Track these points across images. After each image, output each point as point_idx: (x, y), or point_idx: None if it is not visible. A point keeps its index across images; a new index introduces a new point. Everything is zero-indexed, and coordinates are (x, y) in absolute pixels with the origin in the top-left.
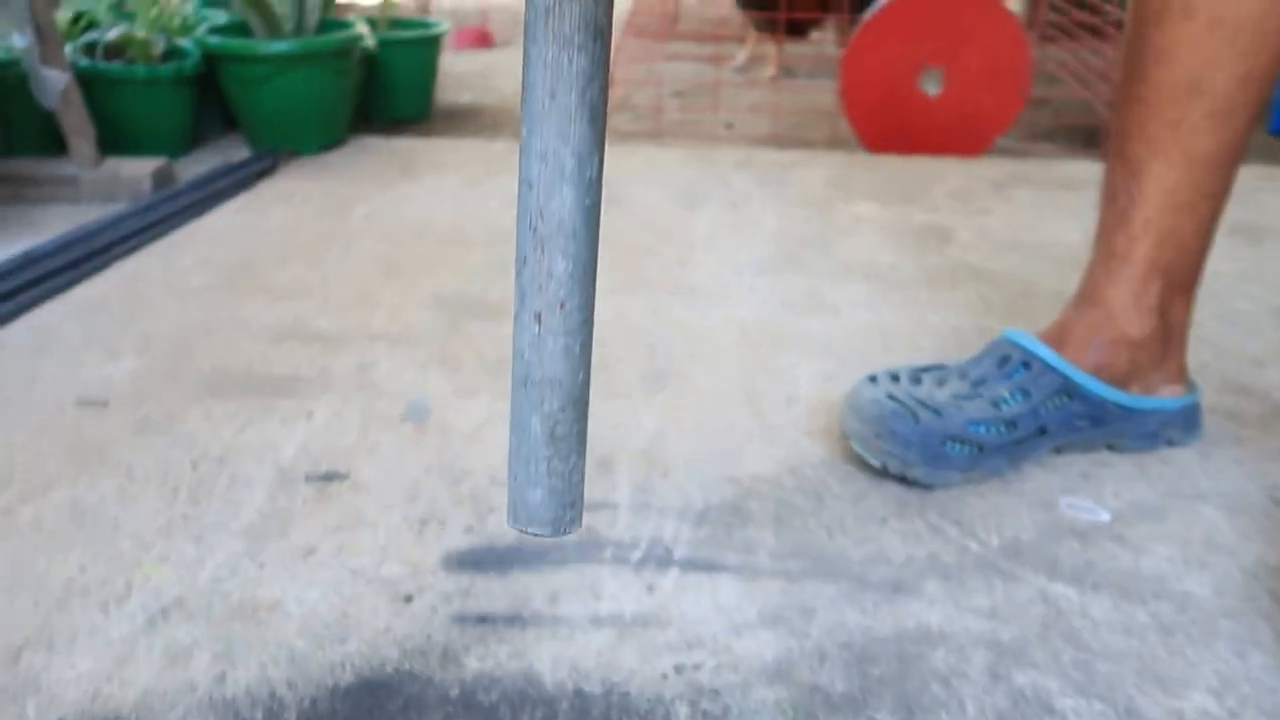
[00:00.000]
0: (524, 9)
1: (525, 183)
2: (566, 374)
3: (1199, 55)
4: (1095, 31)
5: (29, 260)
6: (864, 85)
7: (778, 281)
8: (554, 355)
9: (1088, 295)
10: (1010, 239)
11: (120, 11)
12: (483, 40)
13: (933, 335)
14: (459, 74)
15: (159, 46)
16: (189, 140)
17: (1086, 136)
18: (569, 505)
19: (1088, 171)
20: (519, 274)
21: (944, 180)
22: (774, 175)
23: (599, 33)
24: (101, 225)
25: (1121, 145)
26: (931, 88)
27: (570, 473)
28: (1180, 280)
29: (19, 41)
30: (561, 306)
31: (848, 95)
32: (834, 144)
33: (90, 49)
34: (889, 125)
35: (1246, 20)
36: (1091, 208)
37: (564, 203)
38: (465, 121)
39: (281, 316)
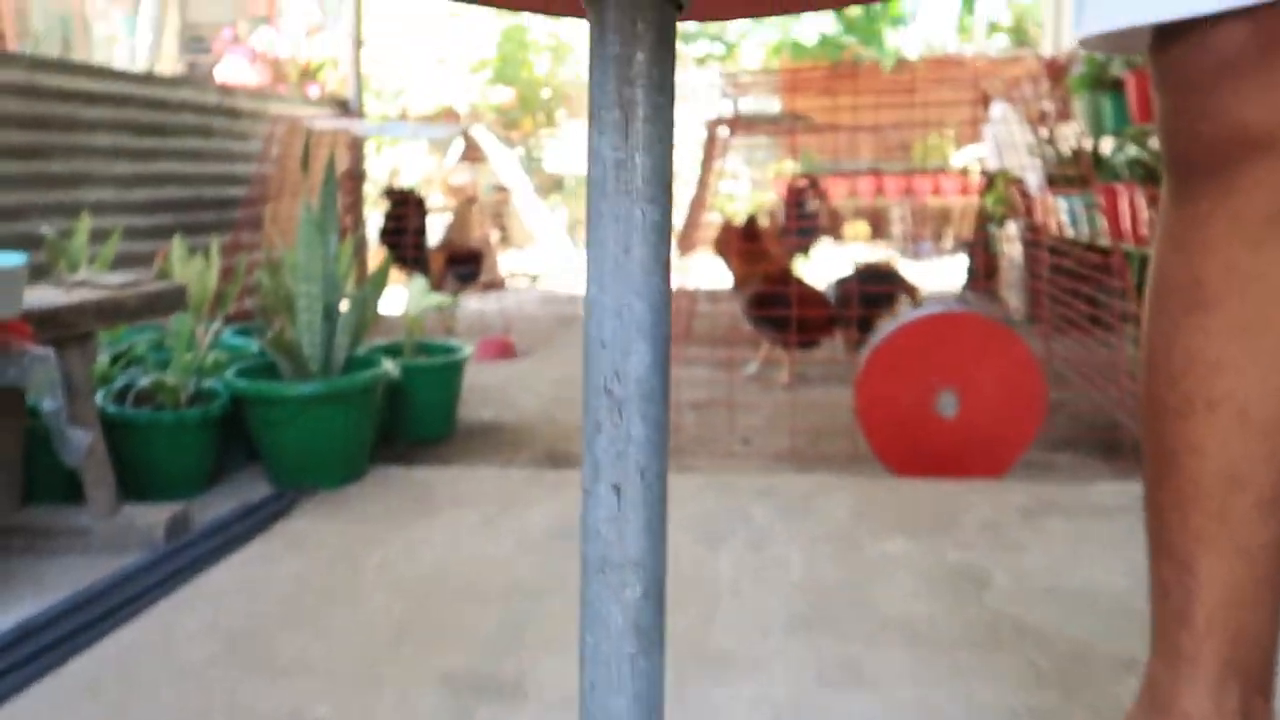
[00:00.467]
0: (587, 169)
1: (597, 343)
2: (649, 553)
3: (1233, 450)
4: (1098, 321)
5: (23, 634)
6: (879, 408)
7: (809, 645)
8: (636, 532)
9: (1160, 704)
10: (1050, 584)
11: (159, 348)
12: (505, 351)
13: (986, 718)
14: (481, 387)
15: (188, 390)
16: (210, 478)
17: (1107, 446)
18: (653, 711)
19: (1117, 496)
20: (590, 445)
21: (972, 508)
22: (797, 505)
23: (667, 186)
24: (105, 587)
25: (1165, 538)
26: (947, 409)
27: (654, 672)
28: (1258, 678)
29: (48, 405)
30: (642, 476)
31: (864, 417)
32: (855, 460)
33: (122, 395)
34: (908, 447)
35: (1275, 411)
36: (1128, 538)
37: (642, 360)
38: (486, 440)
39: (280, 703)
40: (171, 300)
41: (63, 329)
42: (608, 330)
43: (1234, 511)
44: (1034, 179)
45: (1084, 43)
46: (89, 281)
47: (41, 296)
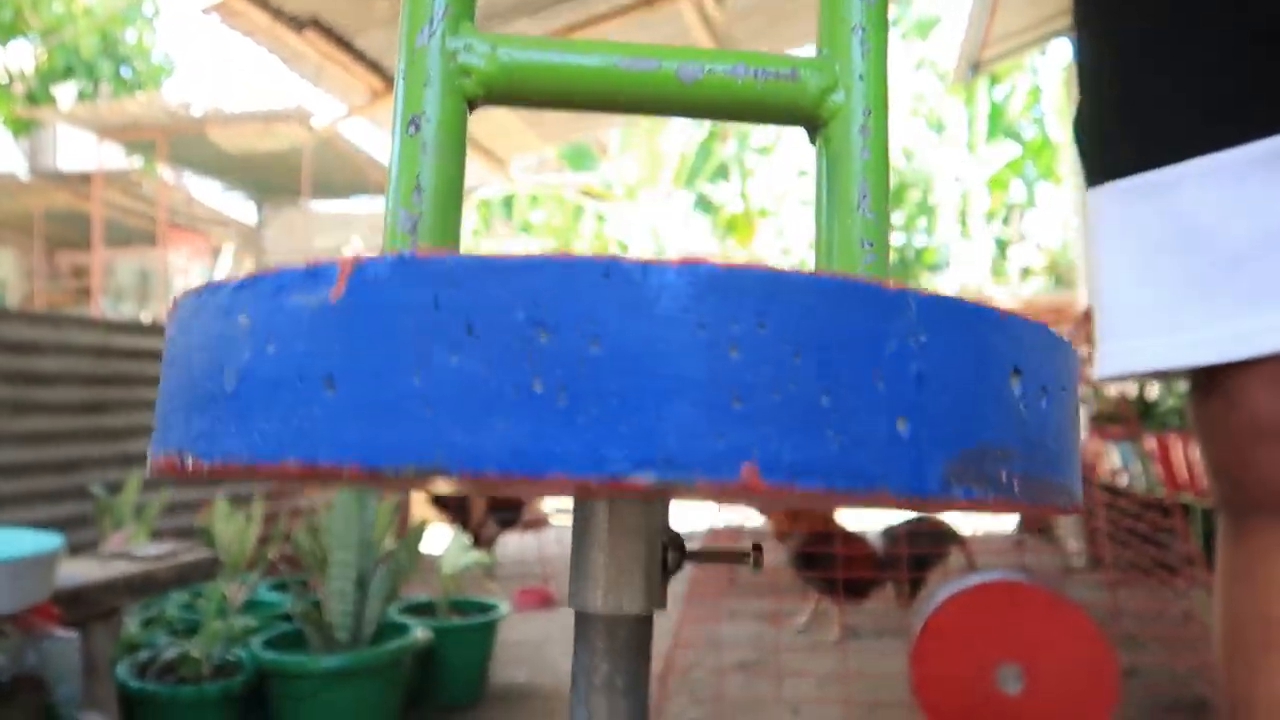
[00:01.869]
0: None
1: None
2: None
3: None
4: (1164, 565)
5: None
6: (938, 684)
7: None
8: None
9: None
10: None
11: (190, 608)
12: (544, 601)
13: None
14: (516, 643)
15: (214, 660)
16: None
17: None
18: None
19: None
20: None
21: None
22: None
23: None
24: None
25: None
26: (1011, 686)
27: None
28: None
29: (65, 693)
30: None
31: (922, 694)
32: None
33: (144, 667)
34: None
35: None
36: None
37: None
38: (519, 706)
39: None
40: (204, 570)
41: (91, 607)
42: None
43: None
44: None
45: (1102, 380)
46: (126, 553)
47: (74, 572)
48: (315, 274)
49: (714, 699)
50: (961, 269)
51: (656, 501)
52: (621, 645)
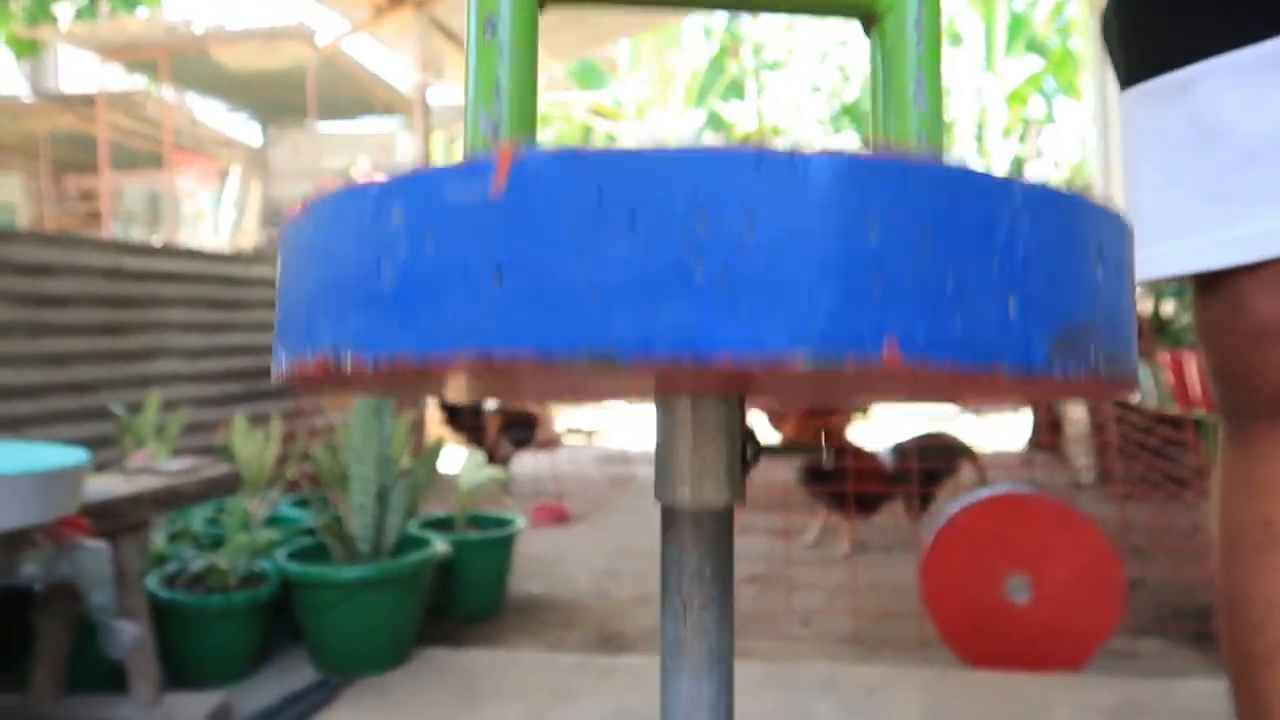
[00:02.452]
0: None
1: None
2: None
3: None
4: (1173, 478)
5: None
6: (947, 595)
7: None
8: None
9: None
10: None
11: (214, 523)
12: (559, 517)
13: None
14: (533, 557)
15: (239, 572)
16: (256, 661)
17: (1196, 635)
18: None
19: (1213, 697)
20: None
21: (1051, 709)
22: (862, 702)
23: (722, 659)
24: None
25: None
26: (1019, 596)
27: None
28: None
29: (98, 600)
30: None
31: (931, 604)
32: (922, 645)
33: (173, 578)
34: (979, 635)
35: None
36: None
37: None
38: (537, 617)
39: None
40: (228, 485)
41: (119, 519)
42: None
43: None
44: None
45: None
46: (150, 468)
47: (101, 486)
48: (472, 170)
49: None
50: None
51: (734, 399)
52: (707, 535)
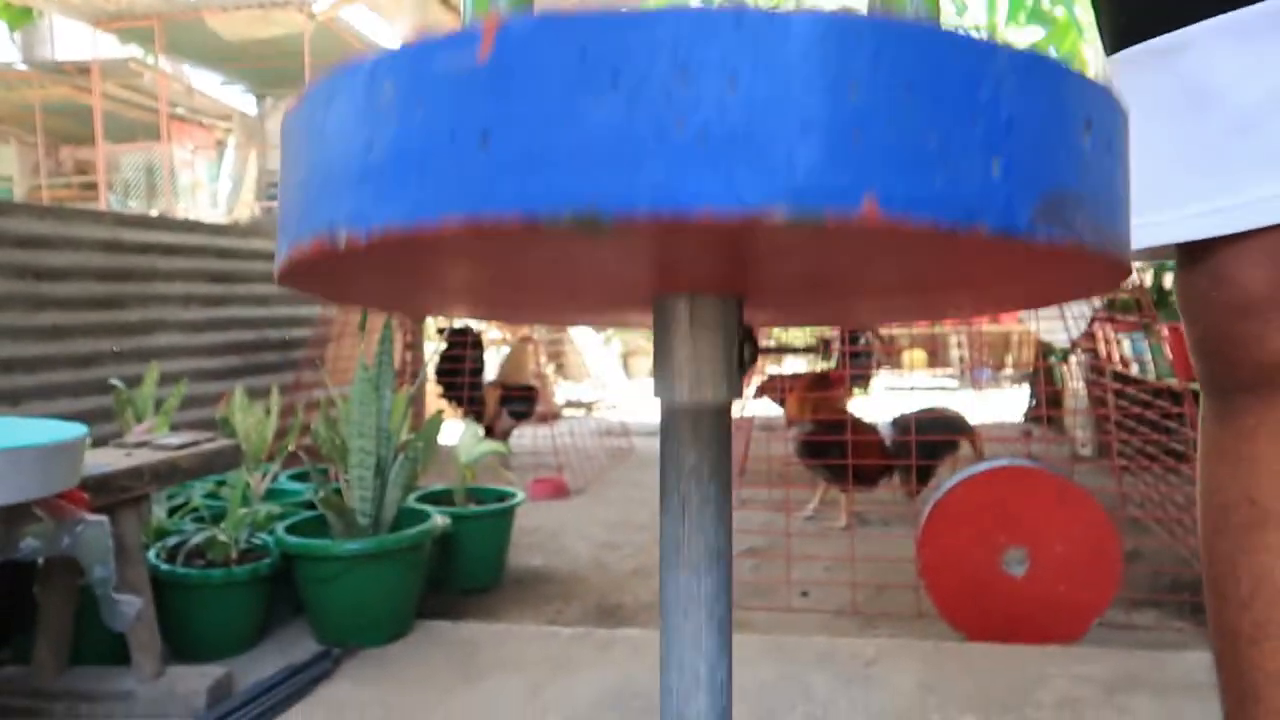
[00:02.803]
0: (658, 536)
1: (664, 689)
2: None
3: None
4: (1172, 453)
5: None
6: (944, 568)
7: None
8: None
9: None
10: None
11: (215, 496)
12: (558, 491)
13: None
14: (532, 529)
15: (240, 545)
16: (257, 633)
17: (1193, 607)
18: None
19: (1210, 669)
20: None
21: (1048, 681)
22: (858, 673)
23: (720, 555)
24: None
25: None
26: (1016, 568)
27: None
28: None
29: (99, 573)
30: None
31: (928, 577)
32: (920, 618)
33: (173, 552)
34: (976, 607)
35: None
36: None
37: (699, 708)
38: (536, 590)
39: None
40: (227, 459)
41: (119, 493)
42: (672, 679)
43: None
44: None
45: None
46: (150, 442)
47: (100, 460)
48: (459, 38)
49: None
50: None
51: (731, 300)
52: (706, 433)
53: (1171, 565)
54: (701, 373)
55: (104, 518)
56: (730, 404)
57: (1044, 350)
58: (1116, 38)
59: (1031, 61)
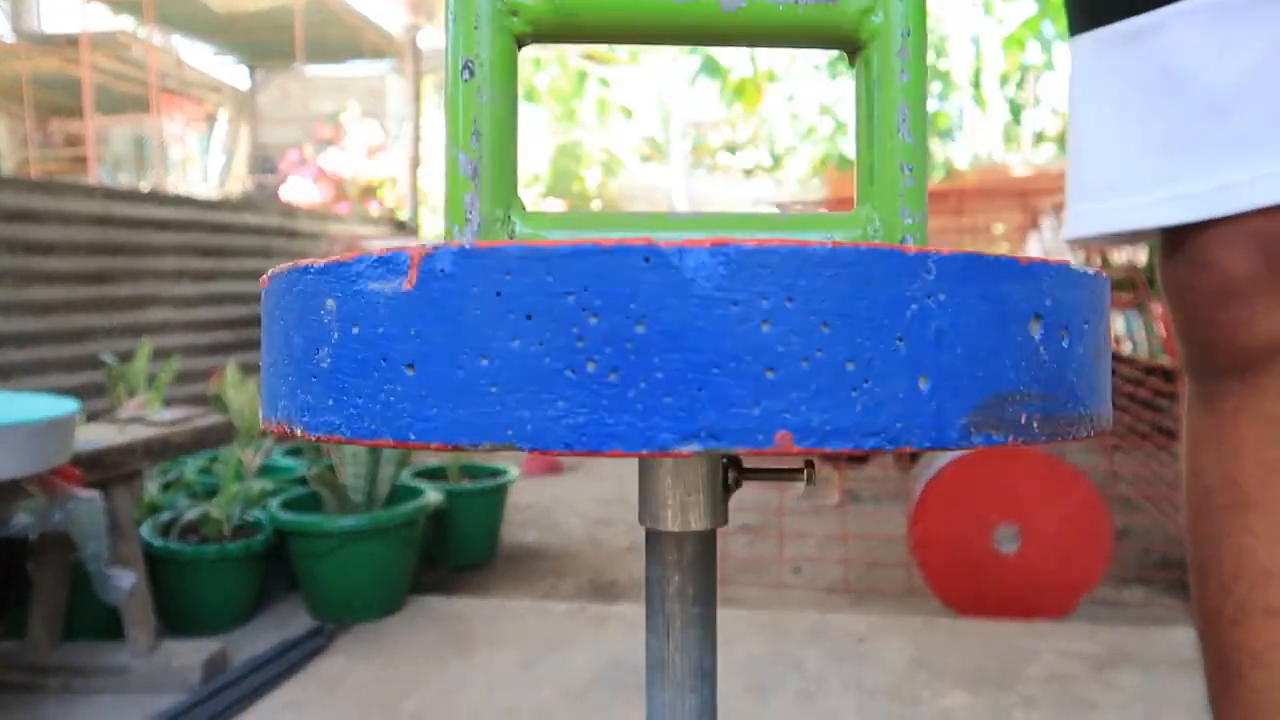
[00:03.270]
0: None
1: None
2: None
3: None
4: (1162, 429)
5: None
6: (935, 545)
7: None
8: None
9: None
10: None
11: (208, 472)
12: (551, 466)
13: None
14: (526, 506)
15: (233, 521)
16: (252, 608)
17: (1182, 584)
18: None
19: (1193, 645)
20: None
21: (1037, 657)
22: (850, 649)
23: (705, 675)
24: None
25: None
26: (1007, 546)
27: None
28: None
29: (92, 549)
30: None
31: (920, 554)
32: (911, 594)
33: (167, 528)
34: (967, 584)
35: None
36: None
37: None
38: (529, 566)
39: None
40: (220, 434)
41: (111, 469)
42: None
43: None
44: None
45: (1072, 243)
46: (142, 418)
47: (93, 436)
48: (388, 262)
49: (719, 559)
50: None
51: None
52: (690, 558)
53: (1161, 543)
54: (687, 501)
55: (97, 493)
56: (715, 530)
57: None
58: (1085, 18)
59: (967, 265)
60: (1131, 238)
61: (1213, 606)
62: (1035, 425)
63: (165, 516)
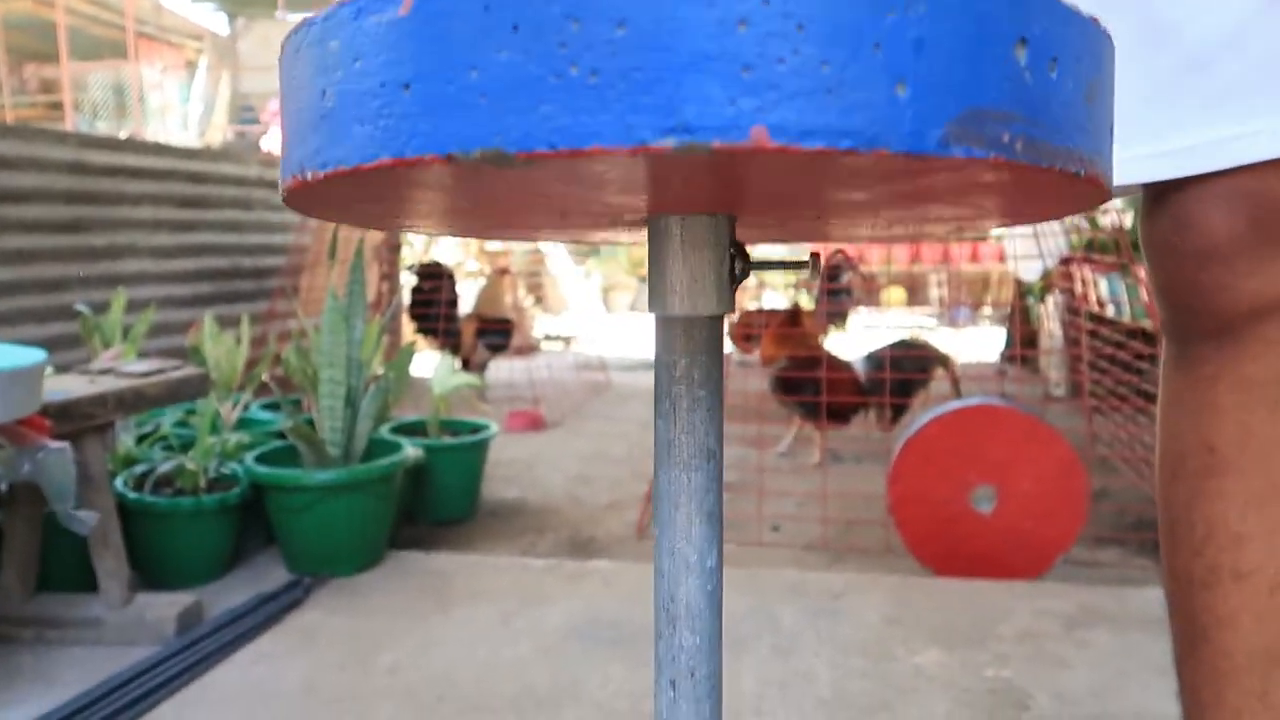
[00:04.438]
0: (653, 438)
1: (657, 572)
2: None
3: (1271, 623)
4: (1143, 394)
5: None
6: (913, 503)
7: None
8: (687, 717)
9: None
10: (1095, 711)
11: (185, 424)
12: (534, 423)
13: None
14: (507, 461)
15: (209, 474)
16: (228, 562)
17: (1155, 545)
18: None
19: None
20: (656, 647)
21: (1010, 615)
22: (826, 607)
23: (710, 454)
24: (109, 688)
25: (1199, 715)
26: (984, 506)
27: None
28: None
29: (61, 500)
30: (692, 675)
31: (898, 513)
32: (888, 553)
33: (141, 480)
34: (944, 543)
35: None
36: None
37: (689, 589)
38: (509, 521)
39: None
40: (194, 387)
41: (82, 420)
42: (664, 564)
43: (1276, 689)
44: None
45: None
46: (114, 369)
47: (64, 387)
48: None
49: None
50: None
51: (721, 217)
52: (698, 342)
53: (1137, 504)
54: (694, 286)
55: (66, 444)
56: (722, 315)
57: (1021, 290)
58: None
59: None
60: (1130, 189)
61: (1182, 569)
62: (1019, 146)
63: (140, 469)
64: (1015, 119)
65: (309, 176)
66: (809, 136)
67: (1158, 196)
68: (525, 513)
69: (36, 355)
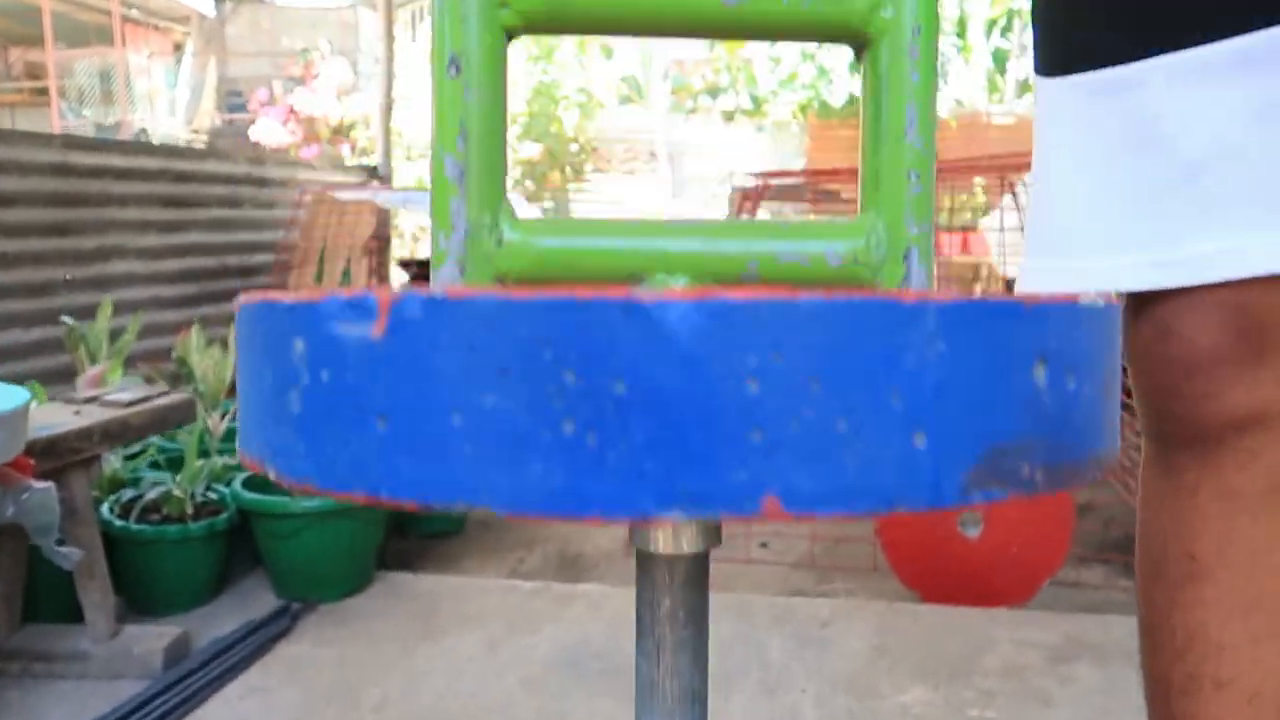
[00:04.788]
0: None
1: None
2: None
3: None
4: (1128, 408)
5: None
6: (900, 525)
7: None
8: None
9: None
10: None
11: (172, 439)
12: None
13: None
14: None
15: (196, 499)
16: (216, 588)
17: None
18: None
19: None
20: None
21: (995, 647)
22: (814, 636)
23: (695, 696)
24: None
25: None
26: (971, 530)
27: None
28: None
29: (46, 541)
30: None
31: (884, 535)
32: (876, 573)
33: (128, 507)
34: (930, 566)
35: None
36: None
37: None
38: (499, 536)
39: None
40: (180, 414)
41: (67, 455)
42: None
43: None
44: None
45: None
46: (100, 397)
47: (49, 421)
48: (357, 306)
49: None
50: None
51: None
52: (681, 582)
53: (1121, 519)
54: (679, 525)
55: (50, 484)
56: (708, 552)
57: (1009, 286)
58: (1058, 62)
59: (968, 313)
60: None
61: (1163, 673)
62: (1038, 477)
63: (126, 495)
64: (1036, 449)
65: (271, 474)
66: (823, 502)
67: (1142, 302)
68: (515, 528)
69: (19, 397)
